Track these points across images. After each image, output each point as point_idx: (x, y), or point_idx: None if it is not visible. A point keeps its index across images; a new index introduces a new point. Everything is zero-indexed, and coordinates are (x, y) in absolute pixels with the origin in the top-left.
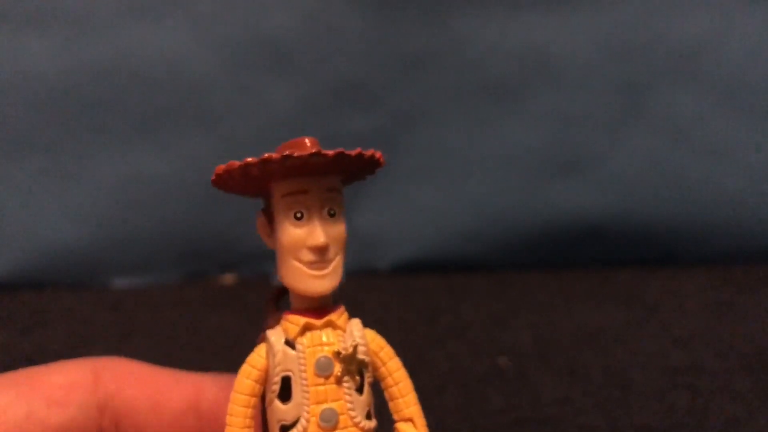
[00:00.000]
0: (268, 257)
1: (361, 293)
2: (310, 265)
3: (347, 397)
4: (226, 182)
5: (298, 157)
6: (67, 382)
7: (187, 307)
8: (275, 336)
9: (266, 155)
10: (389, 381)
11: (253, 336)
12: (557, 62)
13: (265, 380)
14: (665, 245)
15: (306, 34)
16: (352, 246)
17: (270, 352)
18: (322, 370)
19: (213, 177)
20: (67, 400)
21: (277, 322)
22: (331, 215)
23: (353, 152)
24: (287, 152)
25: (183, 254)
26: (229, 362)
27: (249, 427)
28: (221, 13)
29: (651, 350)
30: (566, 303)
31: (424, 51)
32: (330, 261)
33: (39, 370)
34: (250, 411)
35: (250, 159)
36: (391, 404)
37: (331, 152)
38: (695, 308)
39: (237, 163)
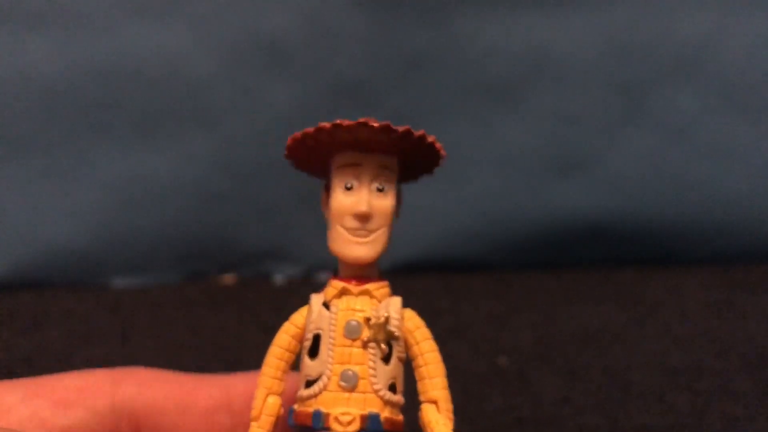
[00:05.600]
0: (268, 257)
1: None
2: (353, 231)
3: (371, 363)
4: (296, 151)
5: (342, 127)
6: (80, 386)
7: (187, 307)
8: (316, 297)
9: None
10: (419, 361)
11: (254, 336)
12: (557, 62)
13: (300, 338)
14: (665, 245)
15: (306, 34)
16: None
17: (309, 311)
18: (351, 333)
19: (287, 147)
20: (75, 402)
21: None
22: (380, 190)
23: (406, 130)
24: (339, 121)
25: (183, 254)
26: (229, 362)
27: (280, 379)
28: (221, 14)
29: (651, 350)
30: (566, 303)
31: (424, 51)
32: (372, 231)
33: (55, 376)
34: (283, 364)
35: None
36: (419, 384)
37: (377, 124)
38: (695, 308)
39: (298, 134)
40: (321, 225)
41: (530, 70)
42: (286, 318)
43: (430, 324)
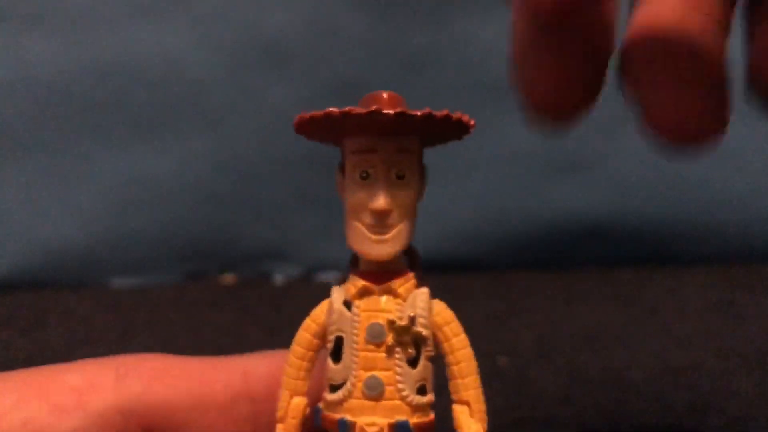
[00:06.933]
0: (268, 257)
1: None
2: (371, 228)
3: (397, 369)
4: (306, 130)
5: (351, 115)
6: (82, 385)
7: (187, 307)
8: (337, 293)
9: (331, 109)
10: (450, 359)
11: (254, 336)
12: None
13: (323, 336)
14: (665, 245)
15: (306, 34)
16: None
17: (330, 309)
18: (374, 337)
19: (294, 123)
20: (76, 405)
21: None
22: (399, 177)
23: (426, 114)
24: (349, 109)
25: (183, 254)
26: None
27: (304, 379)
28: (221, 14)
29: (651, 350)
30: (566, 303)
31: (424, 51)
32: (392, 226)
33: (57, 370)
34: (305, 364)
35: (315, 112)
36: (450, 384)
37: (392, 111)
38: (695, 308)
39: (306, 115)
40: (321, 225)
41: None
42: (286, 318)
43: None
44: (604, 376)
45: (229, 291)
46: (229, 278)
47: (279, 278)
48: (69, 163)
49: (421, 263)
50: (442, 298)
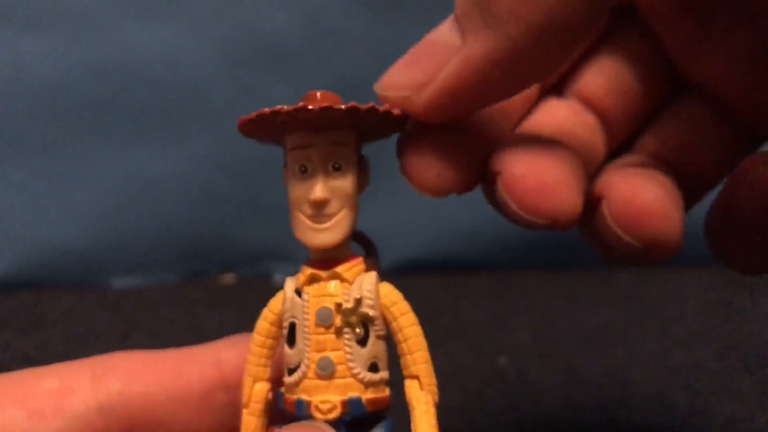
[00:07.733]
0: (268, 257)
1: None
2: (311, 218)
3: (347, 349)
4: (248, 132)
5: (281, 113)
6: (60, 389)
7: (187, 307)
8: (289, 283)
9: (264, 110)
10: (399, 337)
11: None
12: None
13: (280, 324)
14: None
15: (306, 34)
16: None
17: (284, 298)
18: (322, 320)
19: (238, 127)
20: (55, 409)
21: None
22: (336, 169)
23: (350, 108)
24: (279, 107)
25: (183, 254)
26: None
27: (265, 365)
28: (221, 13)
29: (651, 350)
30: (566, 303)
31: None
32: (332, 215)
33: (32, 374)
34: (265, 351)
35: (252, 114)
36: (401, 360)
37: (316, 107)
38: (695, 308)
39: (245, 117)
40: None
41: None
42: None
43: (431, 324)
44: (604, 376)
45: (229, 291)
46: (229, 278)
47: (279, 278)
48: (69, 163)
49: (376, 251)
50: (442, 298)
